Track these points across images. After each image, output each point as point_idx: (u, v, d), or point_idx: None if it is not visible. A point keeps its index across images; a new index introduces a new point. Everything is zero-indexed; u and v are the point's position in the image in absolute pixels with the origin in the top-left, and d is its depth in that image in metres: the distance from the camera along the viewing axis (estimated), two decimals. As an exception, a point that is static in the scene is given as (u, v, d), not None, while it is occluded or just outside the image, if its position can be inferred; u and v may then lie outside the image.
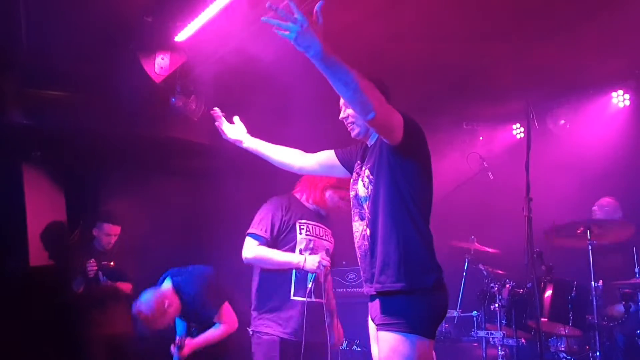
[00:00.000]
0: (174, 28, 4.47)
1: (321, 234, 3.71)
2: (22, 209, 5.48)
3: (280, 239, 3.58)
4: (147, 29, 4.46)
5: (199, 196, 6.22)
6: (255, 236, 3.58)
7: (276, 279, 3.55)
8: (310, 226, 3.67)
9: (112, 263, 5.16)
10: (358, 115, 2.55)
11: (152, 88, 4.99)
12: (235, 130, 3.26)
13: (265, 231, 3.56)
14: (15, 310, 5.01)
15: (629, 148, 5.53)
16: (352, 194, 2.83)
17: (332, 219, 3.89)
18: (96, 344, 5.07)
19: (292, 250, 3.57)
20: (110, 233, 5.33)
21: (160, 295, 4.03)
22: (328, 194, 3.72)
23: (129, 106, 5.23)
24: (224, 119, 3.26)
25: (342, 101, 2.85)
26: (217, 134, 3.19)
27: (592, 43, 4.75)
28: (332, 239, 3.80)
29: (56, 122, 5.36)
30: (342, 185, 3.63)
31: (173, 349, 4.02)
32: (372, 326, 2.77)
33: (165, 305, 3.99)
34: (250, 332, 3.60)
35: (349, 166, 2.99)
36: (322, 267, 3.46)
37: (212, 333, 4.08)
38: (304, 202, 3.76)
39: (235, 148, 3.29)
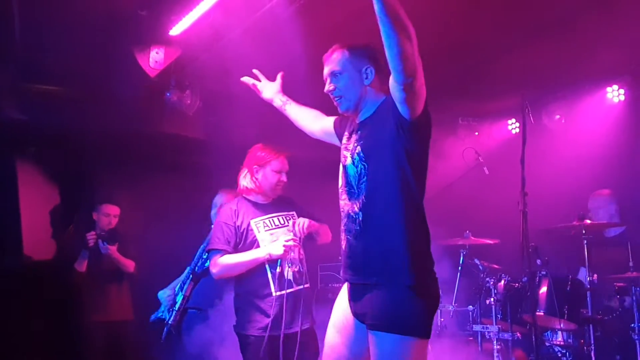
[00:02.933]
0: (168, 22, 4.45)
1: (282, 222, 3.58)
2: (16, 204, 5.46)
3: (241, 245, 3.50)
4: (142, 22, 4.43)
5: (194, 191, 6.21)
6: (215, 251, 3.50)
7: (254, 282, 3.46)
8: (266, 221, 3.56)
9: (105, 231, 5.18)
10: (399, 71, 2.23)
11: (146, 82, 4.98)
12: (270, 89, 3.22)
13: (224, 243, 3.48)
14: (11, 305, 5.00)
15: (623, 143, 5.54)
16: (340, 169, 2.64)
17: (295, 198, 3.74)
18: (96, 331, 5.06)
19: None
20: (109, 213, 5.33)
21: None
22: (260, 175, 3.59)
23: (123, 101, 5.21)
24: (262, 77, 3.27)
25: (325, 71, 2.63)
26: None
27: (587, 38, 4.75)
28: (301, 217, 3.56)
29: (51, 118, 5.34)
30: (266, 159, 3.56)
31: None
32: (339, 313, 2.58)
33: None
34: (236, 333, 3.54)
35: (341, 138, 2.78)
36: (290, 248, 3.36)
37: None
38: (253, 199, 3.64)
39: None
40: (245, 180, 3.63)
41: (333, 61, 2.60)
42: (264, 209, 3.62)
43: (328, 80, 2.63)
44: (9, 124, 5.15)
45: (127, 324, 5.24)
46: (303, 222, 3.45)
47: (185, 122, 5.55)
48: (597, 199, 5.12)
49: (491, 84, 5.58)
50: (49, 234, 5.74)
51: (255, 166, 3.61)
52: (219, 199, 4.59)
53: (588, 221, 4.63)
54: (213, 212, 4.63)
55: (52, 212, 5.82)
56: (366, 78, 2.55)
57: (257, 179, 3.60)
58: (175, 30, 4.50)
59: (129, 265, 5.22)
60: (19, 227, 5.46)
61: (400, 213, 2.38)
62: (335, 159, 2.76)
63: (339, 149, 2.76)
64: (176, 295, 4.34)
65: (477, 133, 6.77)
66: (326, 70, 2.63)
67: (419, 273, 2.35)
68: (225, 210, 3.61)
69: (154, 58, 4.73)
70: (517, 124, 6.52)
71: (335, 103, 2.63)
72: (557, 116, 6.02)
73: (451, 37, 4.77)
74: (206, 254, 4.29)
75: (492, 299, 4.77)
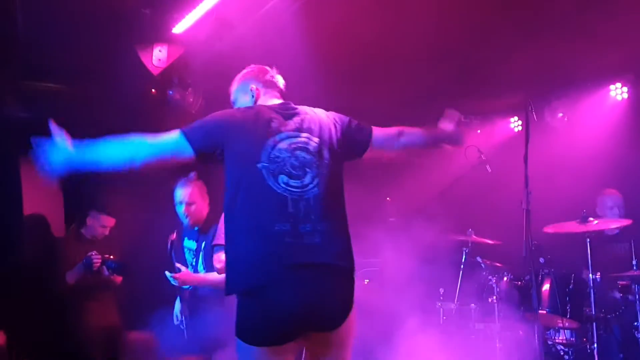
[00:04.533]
0: (171, 20, 4.46)
1: None
2: (19, 203, 5.46)
3: None
4: (145, 21, 4.45)
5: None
6: (221, 247, 3.51)
7: None
8: None
9: (112, 256, 5.11)
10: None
11: (149, 80, 4.98)
12: None
13: None
14: (10, 303, 5.00)
15: (626, 141, 5.53)
16: None
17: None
18: (95, 334, 5.03)
19: None
20: (106, 225, 5.27)
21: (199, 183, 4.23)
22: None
23: (126, 98, 5.22)
24: None
25: None
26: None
27: (590, 36, 4.74)
28: None
29: (53, 116, 5.34)
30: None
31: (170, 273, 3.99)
32: None
33: (204, 192, 4.22)
34: None
35: None
36: None
37: (212, 276, 3.94)
38: None
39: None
40: None
41: (231, 92, 2.86)
42: None
43: None
44: (12, 122, 5.16)
45: (119, 327, 5.20)
46: None
47: (188, 120, 5.54)
48: (610, 198, 5.10)
49: (494, 81, 5.57)
50: (51, 232, 5.75)
51: None
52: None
53: (595, 221, 4.61)
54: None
55: (55, 210, 5.82)
56: (252, 97, 2.74)
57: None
58: (178, 28, 4.51)
59: (117, 280, 5.17)
60: (21, 225, 5.46)
61: (228, 235, 2.47)
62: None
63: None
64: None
65: (479, 131, 6.76)
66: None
67: (230, 284, 2.41)
68: None
69: (157, 56, 4.73)
70: (520, 122, 6.51)
71: None
72: (560, 114, 6.01)
73: (454, 35, 4.77)
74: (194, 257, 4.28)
75: (494, 297, 4.77)
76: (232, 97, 2.85)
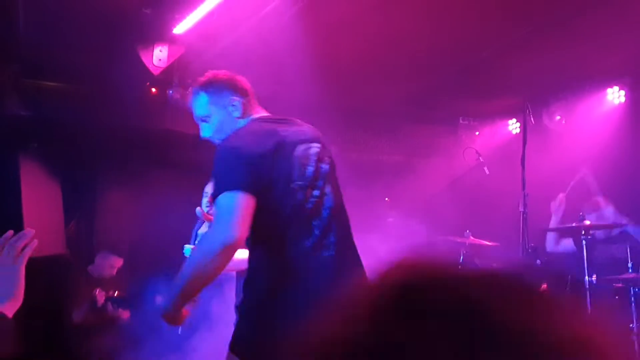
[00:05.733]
0: (172, 20, 4.47)
1: None
2: (19, 199, 5.47)
3: None
4: (146, 20, 4.46)
5: (196, 189, 6.22)
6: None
7: None
8: None
9: (117, 292, 5.14)
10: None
11: (150, 80, 5.00)
12: None
13: None
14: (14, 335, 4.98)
15: (623, 144, 5.56)
16: None
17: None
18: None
19: None
20: (114, 265, 5.32)
21: None
22: None
23: (126, 98, 5.23)
24: None
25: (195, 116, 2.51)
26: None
27: (588, 39, 4.77)
28: None
29: (54, 114, 5.36)
30: None
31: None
32: None
33: None
34: None
35: None
36: None
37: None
38: None
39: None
40: None
41: (196, 107, 2.49)
42: None
43: (200, 127, 2.51)
44: (12, 119, 5.17)
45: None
46: None
47: (188, 120, 5.56)
48: (589, 206, 5.13)
49: (492, 84, 5.60)
50: (51, 229, 5.75)
51: None
52: None
53: (587, 222, 4.65)
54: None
55: (54, 207, 5.83)
56: (238, 111, 2.43)
57: None
58: (179, 29, 4.52)
59: (125, 316, 5.18)
60: (20, 222, 5.47)
61: None
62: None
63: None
64: None
65: (477, 133, 6.79)
66: (195, 116, 2.51)
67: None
68: None
69: (158, 56, 4.75)
70: (518, 124, 6.53)
71: None
72: (558, 117, 6.03)
73: (452, 37, 4.80)
74: None
75: (491, 298, 4.78)
76: (201, 112, 2.47)
